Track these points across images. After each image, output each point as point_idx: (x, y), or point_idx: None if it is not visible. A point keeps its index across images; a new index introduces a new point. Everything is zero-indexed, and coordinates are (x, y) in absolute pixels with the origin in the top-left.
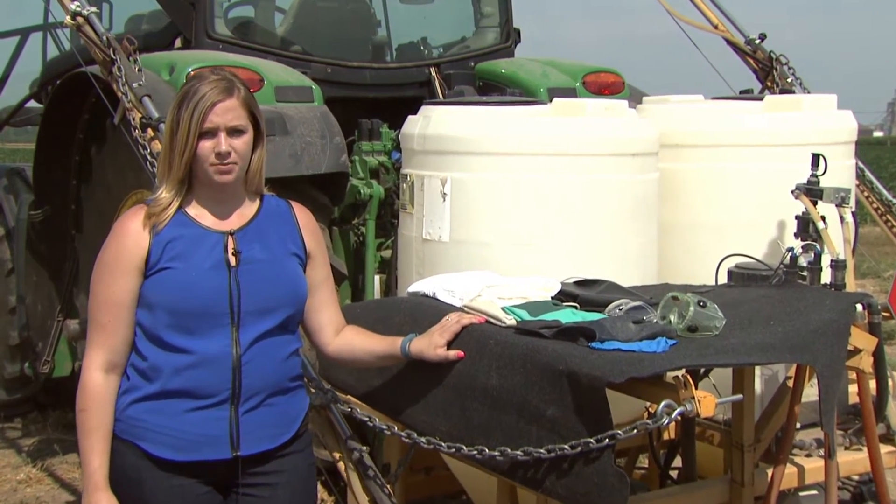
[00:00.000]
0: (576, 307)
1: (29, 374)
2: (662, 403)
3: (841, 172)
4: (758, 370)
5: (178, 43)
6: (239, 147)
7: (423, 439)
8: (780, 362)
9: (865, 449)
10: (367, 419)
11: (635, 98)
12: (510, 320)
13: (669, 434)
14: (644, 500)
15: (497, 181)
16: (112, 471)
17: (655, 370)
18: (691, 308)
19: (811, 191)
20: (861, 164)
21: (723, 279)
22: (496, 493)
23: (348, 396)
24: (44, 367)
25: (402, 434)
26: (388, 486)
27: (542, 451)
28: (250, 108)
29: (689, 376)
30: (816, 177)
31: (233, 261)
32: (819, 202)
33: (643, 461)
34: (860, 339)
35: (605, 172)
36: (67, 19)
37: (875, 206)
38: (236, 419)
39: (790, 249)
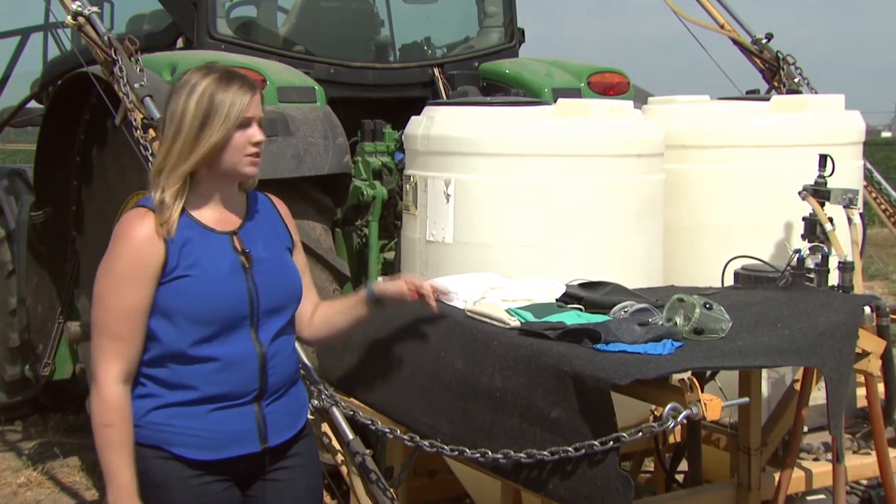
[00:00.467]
0: (580, 309)
1: (29, 376)
2: (668, 406)
3: (849, 173)
4: (764, 373)
5: (179, 43)
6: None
7: (426, 443)
8: (788, 365)
9: (874, 453)
10: (369, 422)
11: (640, 98)
12: (514, 322)
13: (675, 437)
14: None
15: (501, 182)
16: (143, 480)
17: (661, 372)
18: (697, 310)
19: (818, 192)
20: (869, 165)
21: (729, 281)
22: (500, 497)
23: (351, 399)
24: (44, 370)
25: (405, 437)
26: (392, 490)
27: (545, 453)
28: None
29: (695, 379)
30: (824, 178)
31: (246, 262)
32: (826, 203)
33: (648, 465)
34: (868, 341)
35: (610, 174)
36: (68, 19)
37: (883, 207)
38: (261, 413)
39: (797, 251)
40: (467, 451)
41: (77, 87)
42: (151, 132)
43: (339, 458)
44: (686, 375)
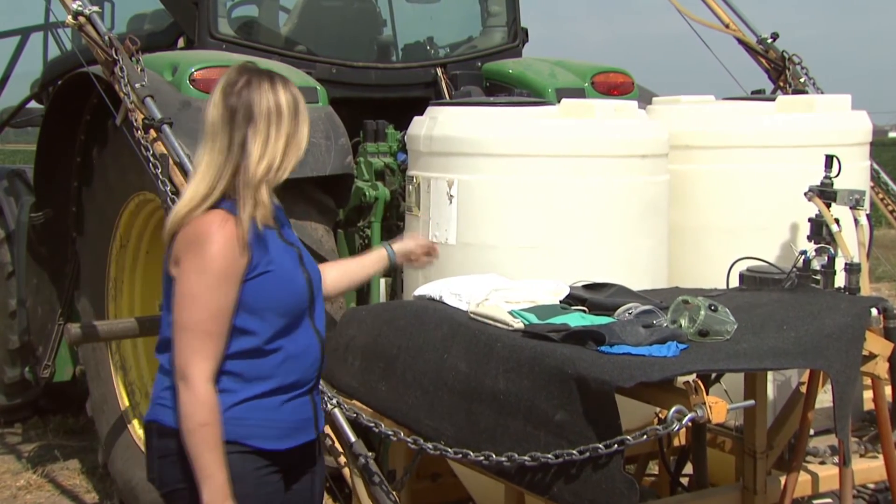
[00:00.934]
0: (584, 311)
1: (29, 378)
2: (673, 409)
3: (855, 174)
4: (770, 375)
5: (180, 43)
6: None
7: (429, 445)
8: (794, 367)
9: (881, 456)
10: (372, 425)
11: (645, 98)
12: (518, 324)
13: (680, 440)
14: None
15: (504, 183)
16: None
17: (666, 375)
18: (702, 312)
19: (825, 193)
20: (876, 166)
21: (734, 283)
22: (503, 500)
23: (353, 401)
24: (44, 372)
25: (409, 440)
26: (395, 493)
27: (549, 456)
28: None
29: (700, 381)
30: (830, 178)
31: (300, 254)
32: (833, 204)
33: (653, 468)
34: (875, 343)
35: (614, 174)
36: (69, 19)
37: (890, 208)
38: (313, 400)
39: (803, 252)
40: (471, 453)
41: (77, 88)
42: (152, 132)
43: (342, 460)
44: (691, 378)
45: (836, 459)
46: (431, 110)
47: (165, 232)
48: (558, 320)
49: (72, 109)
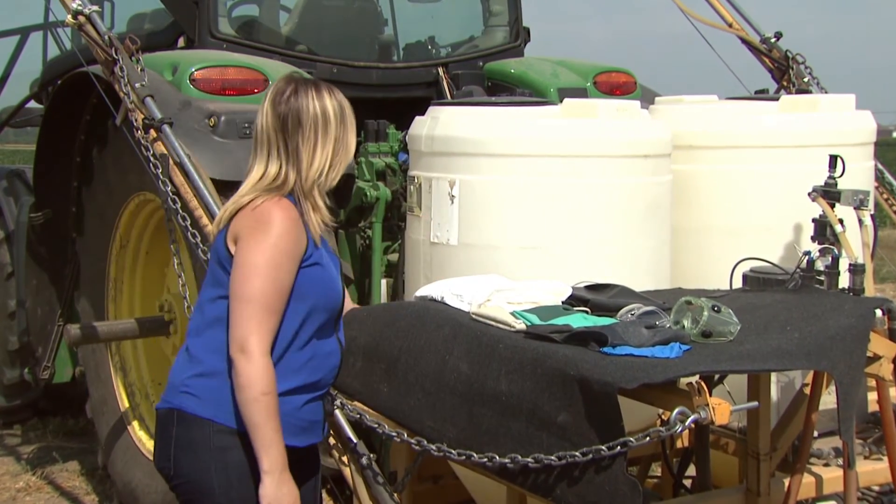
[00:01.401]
0: (587, 312)
1: (28, 379)
2: (676, 410)
3: (859, 174)
4: (774, 377)
5: (181, 42)
6: None
7: (432, 446)
8: (797, 369)
9: (886, 458)
10: (375, 426)
11: (648, 98)
12: (520, 325)
13: (683, 442)
14: None
15: (506, 183)
16: (233, 467)
17: (668, 376)
18: (705, 313)
19: (829, 193)
20: (880, 166)
21: (737, 283)
22: (505, 502)
23: (355, 402)
24: (44, 373)
25: (412, 441)
26: (396, 495)
27: (552, 458)
28: None
29: (703, 383)
30: (834, 179)
31: (339, 258)
32: (837, 205)
33: (656, 470)
34: (880, 345)
35: (616, 175)
36: (69, 18)
37: (895, 208)
38: (322, 405)
39: (807, 253)
40: (473, 455)
41: (77, 87)
42: (152, 132)
43: (344, 461)
44: (694, 379)
45: (840, 461)
46: (433, 110)
47: (224, 213)
48: (560, 321)
49: (71, 109)
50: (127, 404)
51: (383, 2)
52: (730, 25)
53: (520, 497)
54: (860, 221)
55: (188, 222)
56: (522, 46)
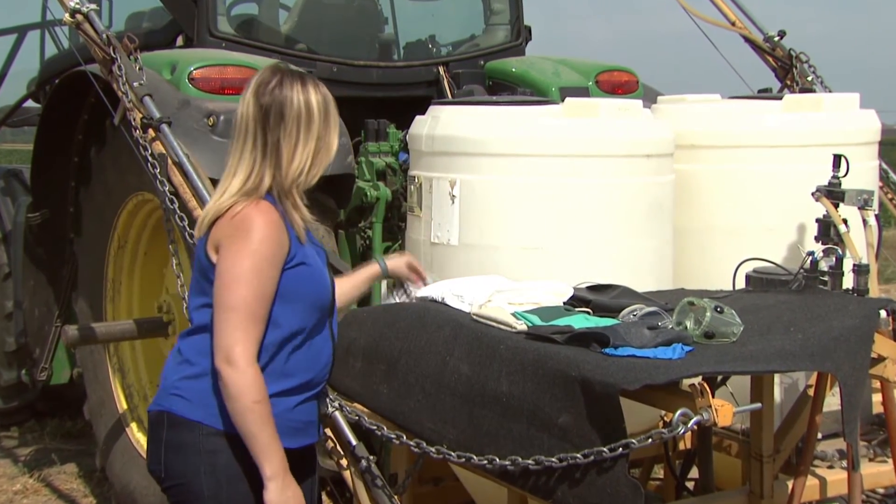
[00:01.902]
0: (588, 313)
1: (26, 381)
2: (678, 412)
3: (864, 174)
4: (777, 378)
5: (179, 41)
6: None
7: (432, 448)
8: (801, 370)
9: (890, 461)
10: (375, 428)
11: (650, 97)
12: (521, 326)
13: (685, 444)
14: None
15: (507, 183)
16: (222, 469)
17: (671, 377)
18: (708, 314)
19: (832, 193)
20: (885, 166)
21: (741, 284)
22: None
23: (355, 404)
24: (41, 375)
25: (412, 443)
26: (396, 497)
27: (553, 459)
28: None
29: (705, 384)
30: (838, 178)
31: (327, 254)
32: (841, 205)
33: (658, 472)
34: (884, 346)
35: (618, 174)
36: (66, 17)
37: None
38: (319, 404)
39: (811, 253)
40: (475, 457)
41: (75, 86)
42: (151, 132)
43: (343, 463)
44: (697, 380)
45: (844, 464)
46: (433, 109)
47: (204, 219)
48: (562, 322)
49: (69, 108)
50: (125, 406)
51: (383, 0)
52: (733, 24)
53: (521, 499)
54: (864, 221)
55: (186, 222)
56: (524, 45)
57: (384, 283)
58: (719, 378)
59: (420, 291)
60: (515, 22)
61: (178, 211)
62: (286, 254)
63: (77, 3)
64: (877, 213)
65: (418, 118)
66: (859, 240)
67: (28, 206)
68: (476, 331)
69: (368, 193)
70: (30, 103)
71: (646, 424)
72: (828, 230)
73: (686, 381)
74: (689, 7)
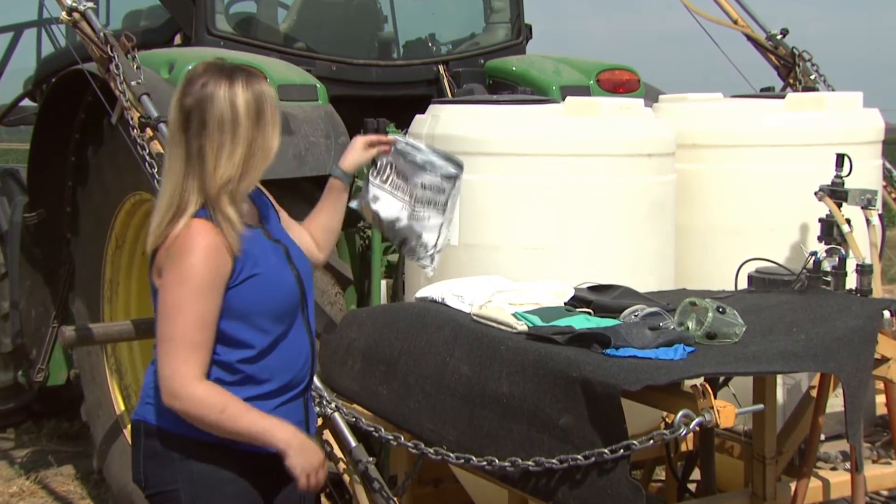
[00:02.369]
0: (589, 313)
1: (22, 382)
2: (680, 413)
3: (867, 173)
4: (780, 379)
5: (177, 40)
6: None
7: (431, 450)
8: (804, 371)
9: (894, 462)
10: (373, 429)
11: (651, 96)
12: (522, 326)
13: (687, 445)
14: None
15: (508, 183)
16: (199, 477)
17: (673, 378)
18: (710, 314)
19: (836, 192)
20: (888, 165)
21: (743, 284)
22: None
23: (353, 405)
24: (38, 376)
25: (410, 445)
26: (395, 499)
27: (554, 461)
28: None
29: (707, 385)
30: (841, 178)
31: (287, 251)
32: (844, 204)
33: (660, 473)
34: (888, 346)
35: (619, 174)
36: (63, 15)
37: None
38: (305, 405)
39: (813, 253)
40: (474, 458)
41: (72, 85)
42: (149, 131)
43: (342, 466)
44: (698, 381)
45: (847, 465)
46: (433, 109)
47: (148, 247)
48: (563, 322)
49: (66, 107)
50: (122, 407)
51: None
52: (735, 22)
53: (521, 501)
54: (868, 221)
55: None
56: (524, 44)
57: (383, 284)
58: (721, 379)
59: (420, 292)
60: (516, 20)
61: None
62: (229, 272)
63: (74, 2)
64: (880, 212)
65: (418, 117)
66: (862, 240)
67: (25, 205)
68: (476, 331)
69: None
70: (26, 102)
71: (647, 426)
72: (831, 230)
73: (688, 382)
74: (691, 5)
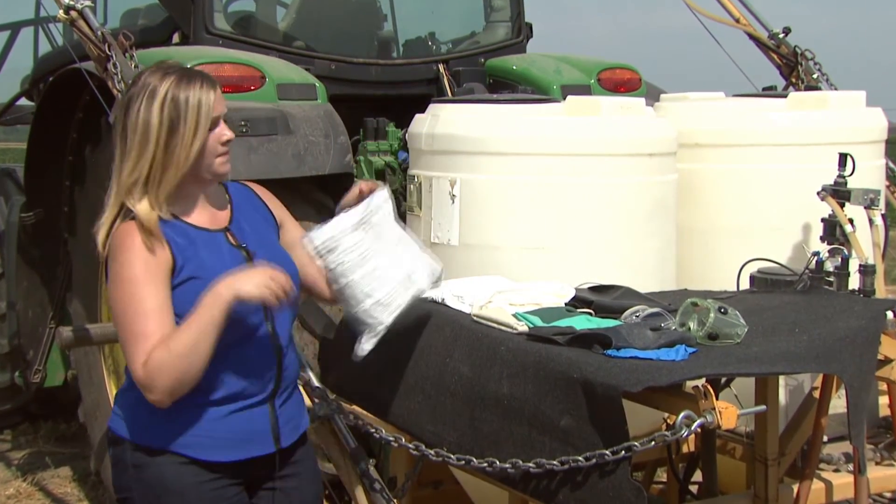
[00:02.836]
0: (590, 314)
1: (19, 383)
2: (681, 414)
3: (870, 173)
4: (782, 380)
5: (176, 38)
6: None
7: (431, 451)
8: (806, 372)
9: None
10: (373, 430)
11: (652, 95)
12: (522, 327)
13: (689, 447)
14: None
15: (508, 183)
16: (151, 485)
17: (674, 379)
18: (712, 315)
19: (838, 192)
20: (891, 164)
21: (745, 285)
22: None
23: (353, 406)
24: (35, 377)
25: (410, 446)
26: (395, 501)
27: (555, 463)
28: None
29: (709, 386)
30: (844, 177)
31: (247, 256)
32: (847, 204)
33: (661, 475)
34: (891, 347)
35: (621, 174)
36: (60, 13)
37: None
38: (275, 412)
39: (816, 254)
40: (474, 460)
41: (69, 84)
42: None
43: (342, 467)
44: (700, 382)
45: (850, 467)
46: (433, 108)
47: (100, 254)
48: (564, 323)
49: (63, 107)
50: None
51: None
52: (737, 21)
53: (522, 502)
54: (871, 221)
55: None
56: (525, 43)
57: None
58: (723, 380)
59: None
60: (516, 19)
61: None
62: (169, 266)
63: (71, 0)
64: (883, 212)
65: (418, 116)
66: (865, 240)
67: (22, 205)
68: (477, 332)
69: None
70: (23, 101)
71: (648, 427)
72: (833, 230)
73: (689, 383)
74: (693, 4)
